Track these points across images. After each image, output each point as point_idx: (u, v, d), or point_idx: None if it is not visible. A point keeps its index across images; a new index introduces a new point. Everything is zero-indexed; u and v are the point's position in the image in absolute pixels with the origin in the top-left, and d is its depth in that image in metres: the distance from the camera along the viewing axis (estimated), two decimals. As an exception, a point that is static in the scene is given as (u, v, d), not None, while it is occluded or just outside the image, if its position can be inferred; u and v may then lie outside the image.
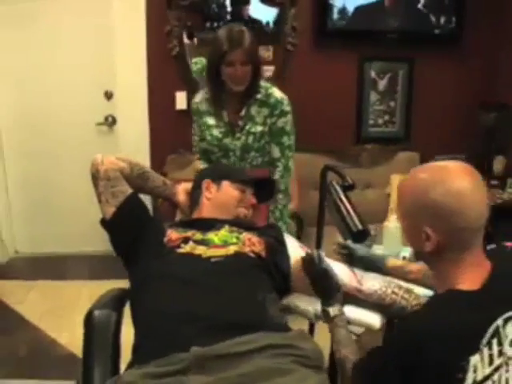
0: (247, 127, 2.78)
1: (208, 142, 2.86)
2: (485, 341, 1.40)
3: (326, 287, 1.96)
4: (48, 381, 1.92)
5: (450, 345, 1.37)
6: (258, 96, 2.76)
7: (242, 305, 1.82)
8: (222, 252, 1.99)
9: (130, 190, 2.19)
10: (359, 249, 2.23)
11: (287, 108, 2.82)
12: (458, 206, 1.43)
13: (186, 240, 2.04)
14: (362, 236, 2.01)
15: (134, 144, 4.45)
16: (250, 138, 2.79)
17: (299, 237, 3.83)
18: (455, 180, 1.45)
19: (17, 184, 4.85)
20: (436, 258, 1.51)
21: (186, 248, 2.01)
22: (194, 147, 2.99)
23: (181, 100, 4.45)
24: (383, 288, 2.05)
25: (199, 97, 2.91)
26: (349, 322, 1.92)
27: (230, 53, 2.60)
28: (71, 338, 3.42)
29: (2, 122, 4.72)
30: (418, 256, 1.68)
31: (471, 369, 1.37)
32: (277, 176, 2.87)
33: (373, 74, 4.58)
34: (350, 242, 2.23)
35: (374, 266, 2.19)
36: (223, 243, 2.04)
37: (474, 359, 1.38)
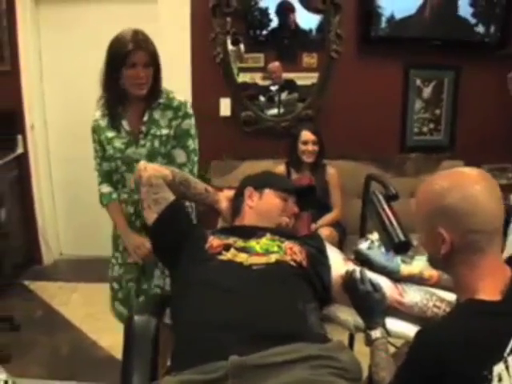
0: (152, 131, 2.59)
1: (110, 157, 2.64)
2: (509, 349, 1.37)
3: (367, 309, 1.94)
4: (87, 383, 1.93)
5: (470, 355, 1.35)
6: (161, 100, 2.61)
7: (282, 314, 1.80)
8: (263, 260, 1.98)
9: (172, 197, 2.20)
10: (376, 257, 2.19)
11: (190, 111, 2.71)
12: (471, 208, 1.44)
13: (227, 247, 2.04)
14: (404, 247, 1.98)
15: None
16: (156, 142, 2.60)
17: (341, 245, 3.82)
18: (470, 184, 1.48)
19: (61, 188, 4.93)
20: (451, 263, 1.51)
21: (228, 255, 2.00)
22: (97, 171, 2.75)
23: (225, 106, 4.49)
24: (424, 301, 2.03)
25: (98, 113, 2.68)
26: (389, 334, 1.89)
27: (134, 54, 2.42)
28: (112, 340, 3.47)
29: (49, 126, 4.81)
30: (434, 263, 1.65)
31: (495, 378, 1.34)
32: None
33: (418, 81, 4.52)
34: (365, 249, 2.20)
35: (388, 273, 2.15)
36: (265, 251, 2.03)
37: (498, 368, 1.35)
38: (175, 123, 2.63)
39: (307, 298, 1.94)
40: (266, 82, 4.64)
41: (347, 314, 2.09)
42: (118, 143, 2.60)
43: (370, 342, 1.85)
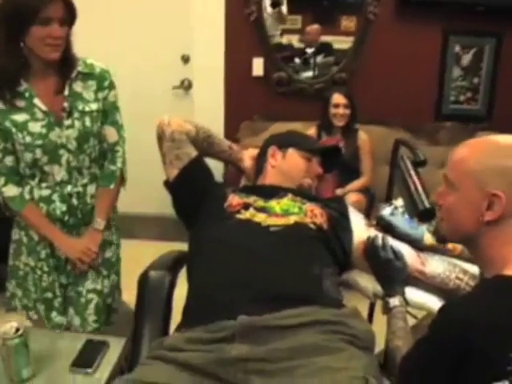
0: (79, 108, 2.17)
1: (27, 147, 2.12)
2: None
3: (387, 277, 1.89)
4: (100, 335, 1.93)
5: (496, 335, 1.28)
6: (79, 68, 2.18)
7: (297, 277, 1.76)
8: (281, 221, 1.94)
9: (194, 153, 2.16)
10: (399, 223, 2.12)
11: (113, 79, 2.32)
12: None
13: (246, 206, 2.00)
14: (428, 215, 1.92)
15: (208, 109, 4.44)
16: (87, 121, 2.19)
17: (369, 212, 3.76)
18: None
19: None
20: (483, 233, 1.43)
21: (246, 214, 1.97)
22: None
23: (258, 66, 4.40)
24: (447, 272, 1.97)
25: None
26: (408, 303, 1.85)
27: (49, 6, 1.94)
28: (131, 296, 3.47)
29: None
30: (454, 236, 1.57)
31: None
32: (119, 164, 2.36)
33: (457, 48, 4.38)
34: (389, 216, 2.14)
35: (412, 241, 2.09)
36: (284, 212, 1.99)
37: None
38: (101, 95, 2.25)
39: (325, 262, 1.90)
40: (302, 45, 4.55)
41: (367, 281, 2.05)
42: (35, 127, 2.10)
43: (387, 309, 1.81)
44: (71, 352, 1.79)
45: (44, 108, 2.11)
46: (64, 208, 2.24)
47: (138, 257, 3.74)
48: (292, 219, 1.96)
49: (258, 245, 1.84)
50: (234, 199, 2.04)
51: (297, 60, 4.56)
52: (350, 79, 4.36)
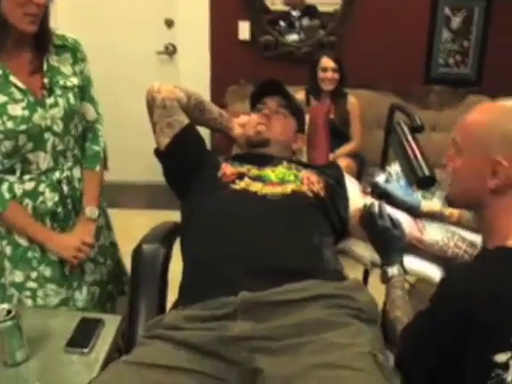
0: (61, 83, 1.97)
1: (7, 136, 1.86)
2: None
3: (385, 246, 1.84)
4: (95, 314, 1.88)
5: (497, 309, 1.25)
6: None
7: (297, 248, 1.72)
8: (278, 190, 1.88)
9: (186, 121, 2.08)
10: (395, 190, 2.08)
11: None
12: None
13: (241, 175, 1.94)
14: (428, 182, 1.87)
15: (194, 74, 4.35)
16: (71, 97, 1.99)
17: (359, 177, 3.72)
18: None
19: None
20: (488, 202, 1.39)
21: (241, 184, 1.91)
22: None
23: (244, 30, 4.31)
24: (445, 240, 1.94)
25: None
26: (407, 272, 1.81)
27: None
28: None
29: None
30: (455, 200, 1.54)
31: None
32: (102, 144, 2.19)
33: (447, 10, 4.30)
34: (383, 182, 2.09)
35: (408, 208, 2.03)
36: (280, 180, 1.93)
37: None
38: (78, 68, 2.06)
39: (324, 231, 1.86)
40: (287, 8, 4.45)
41: (364, 250, 2.02)
42: (16, 110, 1.86)
43: (386, 278, 1.77)
44: (66, 331, 1.72)
45: (22, 86, 1.87)
46: (56, 198, 2.02)
47: (126, 227, 3.70)
48: (289, 187, 1.90)
49: (255, 215, 1.78)
50: (227, 168, 1.99)
51: (282, 23, 4.45)
52: (339, 43, 4.28)
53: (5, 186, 1.93)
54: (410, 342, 1.43)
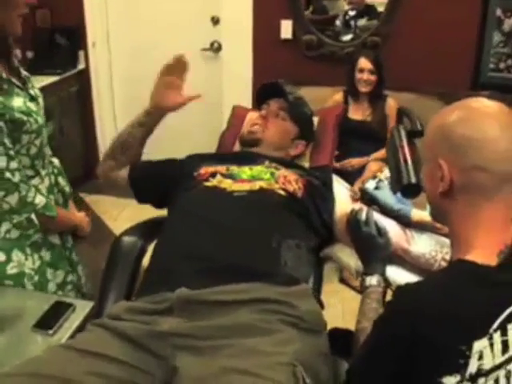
0: (24, 74, 1.92)
1: (37, 135, 1.85)
2: (496, 325, 1.17)
3: (367, 253, 1.77)
4: (70, 298, 1.90)
5: (447, 325, 1.16)
6: None
7: (251, 248, 1.68)
8: (246, 187, 1.86)
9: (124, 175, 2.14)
10: (383, 197, 2.01)
11: None
12: (479, 139, 1.23)
13: (213, 174, 1.93)
14: (413, 190, 1.78)
15: (237, 71, 4.38)
16: (36, 86, 1.98)
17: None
18: (485, 116, 1.26)
19: (123, 108, 4.93)
20: (447, 208, 1.31)
21: (213, 182, 1.90)
22: (13, 177, 1.78)
23: (286, 29, 4.27)
24: (433, 253, 1.86)
25: None
26: (389, 283, 1.75)
27: None
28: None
29: (112, 46, 4.78)
30: (432, 212, 1.45)
31: (475, 355, 1.15)
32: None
33: (498, 11, 4.12)
34: (372, 188, 2.03)
35: (397, 216, 1.97)
36: (251, 178, 1.91)
37: (480, 344, 1.16)
38: None
39: (290, 232, 1.80)
40: (333, 5, 4.46)
41: (349, 257, 1.96)
42: (33, 106, 1.84)
43: (363, 287, 1.71)
44: (38, 313, 1.76)
45: (19, 84, 1.84)
46: (65, 182, 2.12)
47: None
48: (258, 184, 1.88)
49: (218, 212, 1.78)
50: (204, 168, 1.99)
51: (338, 23, 4.42)
52: (383, 43, 4.18)
53: (32, 192, 1.86)
54: (366, 349, 1.37)
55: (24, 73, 1.91)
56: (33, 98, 1.88)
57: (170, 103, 2.09)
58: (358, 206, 1.95)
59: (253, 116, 2.23)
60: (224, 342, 1.41)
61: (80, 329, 1.70)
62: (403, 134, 1.89)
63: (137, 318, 1.52)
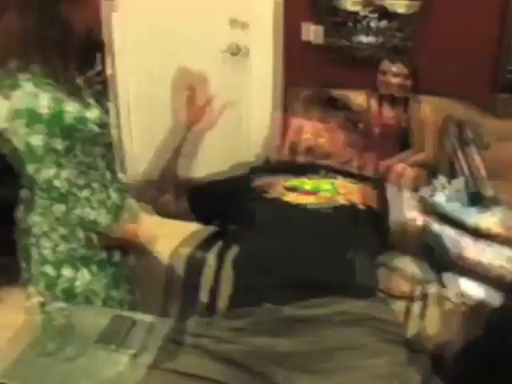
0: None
1: (93, 140, 1.86)
2: None
3: (426, 261, 1.79)
4: (127, 312, 1.89)
5: None
6: None
7: (328, 262, 1.68)
8: (311, 199, 1.85)
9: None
10: (442, 205, 2.00)
11: None
12: None
13: (274, 186, 1.92)
14: (477, 198, 1.80)
15: (264, 75, 4.31)
16: None
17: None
18: None
19: (140, 108, 4.89)
20: None
21: (274, 194, 1.88)
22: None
23: (312, 32, 4.30)
24: (504, 264, 1.85)
25: (46, 96, 1.67)
26: (449, 290, 1.74)
27: None
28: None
29: (130, 46, 4.74)
30: None
31: None
32: None
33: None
34: (429, 196, 2.02)
35: (460, 226, 1.96)
36: (315, 189, 1.89)
37: None
38: None
39: (359, 243, 1.80)
40: (356, 8, 4.37)
41: (406, 264, 1.96)
42: (87, 113, 1.81)
43: (423, 295, 1.71)
44: (97, 327, 1.75)
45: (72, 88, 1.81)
46: (117, 195, 2.07)
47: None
48: (323, 196, 1.86)
49: (286, 224, 1.77)
50: (261, 180, 1.98)
51: (353, 24, 4.40)
52: (413, 47, 4.18)
53: (86, 209, 1.83)
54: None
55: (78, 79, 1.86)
56: (87, 106, 1.83)
57: (203, 122, 2.08)
58: (415, 214, 1.94)
59: (304, 125, 2.21)
60: (324, 359, 1.43)
61: (145, 343, 1.69)
62: (456, 142, 1.90)
63: (219, 334, 1.52)
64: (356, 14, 4.36)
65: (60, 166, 1.72)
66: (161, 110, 4.73)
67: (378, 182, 2.11)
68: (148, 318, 1.79)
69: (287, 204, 1.84)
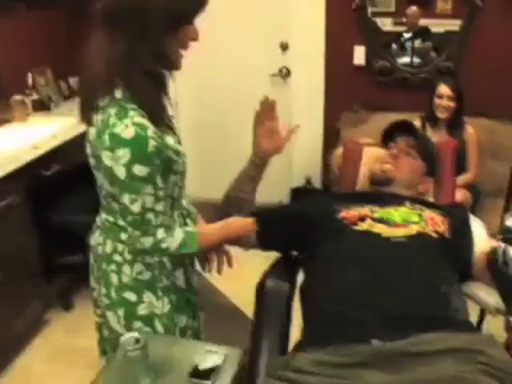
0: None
1: (182, 175, 1.84)
2: None
3: (508, 292, 1.77)
4: (217, 346, 1.88)
5: None
6: None
7: (426, 295, 1.68)
8: (403, 232, 1.85)
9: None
10: None
11: None
12: None
13: (363, 217, 1.92)
14: None
15: (307, 97, 4.39)
16: None
17: (474, 209, 3.61)
18: None
19: (190, 132, 4.94)
20: None
21: (364, 226, 1.88)
22: (162, 216, 1.74)
23: (359, 55, 4.28)
24: None
25: (137, 118, 1.61)
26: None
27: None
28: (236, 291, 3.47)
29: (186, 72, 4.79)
30: None
31: None
32: None
33: None
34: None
35: None
36: (404, 222, 1.89)
37: None
38: None
39: (451, 276, 1.81)
40: (397, 28, 4.40)
41: (488, 295, 1.95)
42: (179, 147, 1.81)
43: (509, 328, 1.70)
44: (189, 361, 1.75)
45: (168, 122, 1.83)
46: (193, 224, 2.02)
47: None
48: (414, 229, 1.87)
49: (381, 258, 1.76)
50: (346, 211, 1.96)
51: (394, 45, 4.42)
52: (456, 68, 4.17)
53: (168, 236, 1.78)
54: None
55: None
56: (166, 133, 1.81)
57: (273, 149, 2.04)
58: (495, 243, 1.93)
59: (379, 153, 2.22)
60: None
61: (237, 379, 1.69)
62: None
63: (329, 371, 1.50)
64: (399, 34, 4.40)
65: (157, 198, 1.71)
66: (210, 133, 4.80)
67: (458, 211, 2.10)
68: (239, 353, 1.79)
69: (378, 236, 1.84)
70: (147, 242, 1.74)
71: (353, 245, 1.83)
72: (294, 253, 2.12)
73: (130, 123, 1.59)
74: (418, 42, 4.41)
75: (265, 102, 2.02)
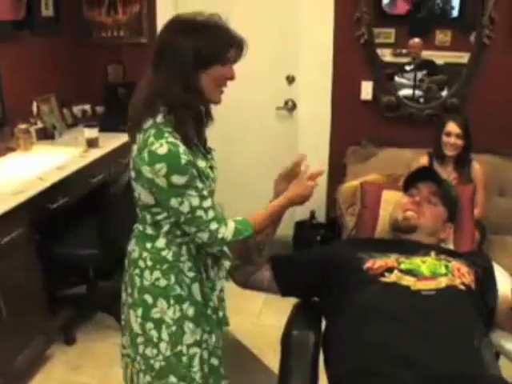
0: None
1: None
2: None
3: None
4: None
5: None
6: None
7: (460, 351, 1.66)
8: (432, 285, 1.84)
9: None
10: None
11: None
12: None
13: (390, 268, 1.90)
14: None
15: (313, 131, 4.39)
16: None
17: (480, 245, 3.59)
18: None
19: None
20: None
21: (391, 277, 1.87)
22: (213, 212, 1.84)
23: (366, 90, 4.28)
24: None
25: (171, 139, 1.78)
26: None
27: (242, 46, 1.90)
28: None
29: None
30: None
31: None
32: None
33: None
34: None
35: None
36: (432, 274, 1.88)
37: None
38: None
39: (481, 330, 1.80)
40: (397, 59, 4.42)
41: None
42: (211, 173, 1.94)
43: None
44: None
45: (203, 150, 1.97)
46: None
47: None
48: (443, 282, 1.85)
49: (411, 312, 1.74)
50: (372, 261, 1.94)
51: (396, 78, 4.43)
52: (462, 105, 4.18)
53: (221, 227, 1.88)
54: None
55: (208, 145, 2.05)
56: (211, 168, 1.97)
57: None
58: None
59: (401, 199, 2.21)
60: None
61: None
62: None
63: None
64: (401, 67, 4.42)
65: (202, 197, 1.84)
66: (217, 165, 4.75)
67: (482, 260, 2.08)
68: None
69: (408, 289, 1.81)
70: (204, 236, 1.87)
71: (382, 298, 1.81)
72: (315, 298, 2.09)
73: (164, 142, 1.78)
74: (420, 75, 4.42)
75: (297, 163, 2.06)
